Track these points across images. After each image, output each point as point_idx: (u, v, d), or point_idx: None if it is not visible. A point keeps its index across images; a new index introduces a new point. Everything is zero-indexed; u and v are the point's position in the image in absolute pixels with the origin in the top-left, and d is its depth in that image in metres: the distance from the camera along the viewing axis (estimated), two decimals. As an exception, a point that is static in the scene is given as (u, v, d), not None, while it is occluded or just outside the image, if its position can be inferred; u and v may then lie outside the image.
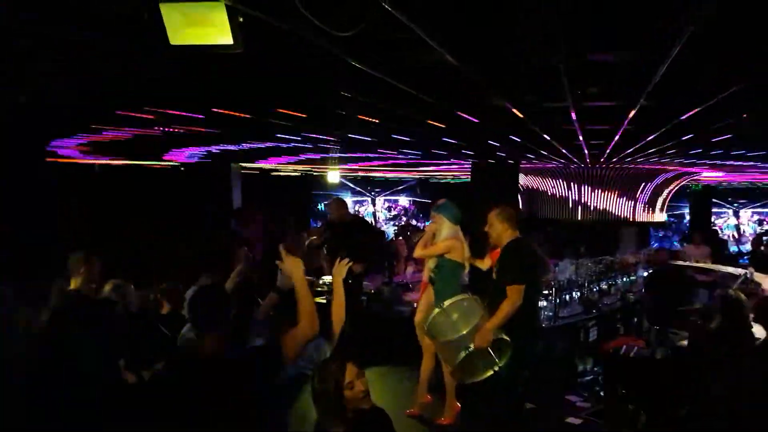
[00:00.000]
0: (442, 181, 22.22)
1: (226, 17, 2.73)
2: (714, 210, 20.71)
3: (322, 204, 18.97)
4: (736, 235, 20.73)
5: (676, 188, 14.71)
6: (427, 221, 5.43)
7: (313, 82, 5.15)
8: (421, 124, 7.33)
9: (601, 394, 5.82)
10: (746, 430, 4.14)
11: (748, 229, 21.40)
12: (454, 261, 4.82)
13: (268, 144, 9.91)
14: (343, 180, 19.26)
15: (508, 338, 4.20)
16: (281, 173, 17.99)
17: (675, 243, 16.66)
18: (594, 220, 13.12)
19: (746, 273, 7.65)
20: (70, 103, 5.86)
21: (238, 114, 6.40)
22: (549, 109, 6.13)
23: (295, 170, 17.80)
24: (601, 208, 13.11)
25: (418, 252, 5.11)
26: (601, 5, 3.43)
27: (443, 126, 7.46)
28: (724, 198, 21.58)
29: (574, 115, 6.19)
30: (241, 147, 10.58)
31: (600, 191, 13.14)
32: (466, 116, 6.76)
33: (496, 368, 4.20)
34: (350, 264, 3.30)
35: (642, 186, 13.28)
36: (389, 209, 24.52)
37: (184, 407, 2.51)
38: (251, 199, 13.39)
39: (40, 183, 9.23)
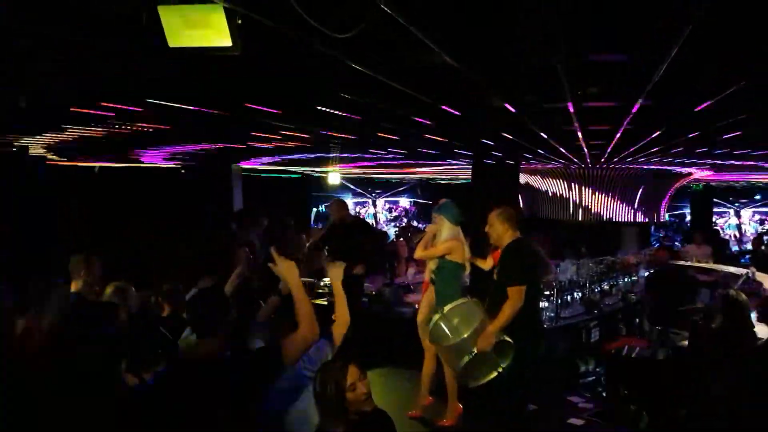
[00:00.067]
0: (442, 182, 22.21)
1: (225, 19, 2.73)
2: (715, 210, 20.72)
3: (323, 205, 18.98)
4: (738, 235, 20.72)
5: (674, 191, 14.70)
6: (428, 222, 5.43)
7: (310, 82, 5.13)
8: (416, 125, 7.31)
9: (603, 394, 5.82)
10: (747, 430, 4.13)
11: (750, 228, 21.38)
12: (454, 262, 4.81)
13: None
14: (343, 181, 19.26)
15: (510, 340, 4.19)
16: (282, 175, 18.01)
17: (676, 243, 16.63)
18: (594, 221, 13.11)
19: (748, 273, 7.65)
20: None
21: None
22: (549, 110, 6.13)
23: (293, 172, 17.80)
24: (601, 209, 13.10)
25: (418, 253, 5.11)
26: (601, 5, 3.42)
27: (442, 125, 7.44)
28: (726, 197, 21.57)
29: (574, 115, 6.18)
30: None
31: (600, 192, 13.14)
32: (467, 117, 6.75)
33: (500, 369, 4.19)
34: (344, 265, 3.27)
35: (640, 187, 13.27)
36: (390, 210, 24.53)
37: (183, 409, 2.51)
38: (251, 200, 13.40)
39: (40, 184, 9.25)
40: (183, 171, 13.63)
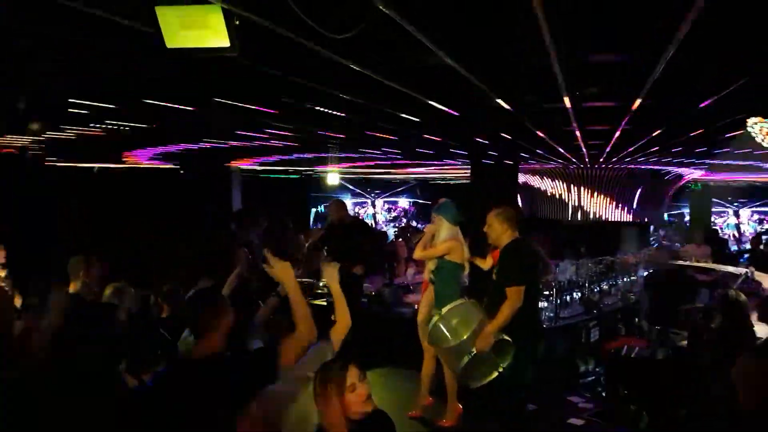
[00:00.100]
0: (441, 182, 22.21)
1: (223, 20, 2.73)
2: (714, 209, 20.73)
3: (322, 206, 18.98)
4: (737, 235, 20.73)
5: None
6: (427, 222, 5.42)
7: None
8: (414, 125, 7.30)
9: (603, 394, 5.82)
10: (747, 429, 4.13)
11: (749, 228, 21.38)
12: (453, 262, 4.81)
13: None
14: (342, 182, 19.26)
15: (509, 339, 4.19)
16: (280, 175, 18.00)
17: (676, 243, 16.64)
18: (592, 222, 13.13)
19: (747, 272, 7.64)
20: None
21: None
22: (548, 110, 6.13)
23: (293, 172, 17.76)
24: (598, 210, 13.12)
25: (417, 254, 5.10)
26: (598, 5, 3.43)
27: (439, 125, 7.44)
28: (724, 197, 21.58)
29: (572, 116, 6.19)
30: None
31: (598, 193, 13.16)
32: (466, 116, 6.75)
33: (500, 369, 4.19)
34: (338, 266, 3.26)
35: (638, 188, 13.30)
36: (389, 211, 24.52)
37: (182, 409, 2.50)
38: (250, 200, 13.39)
39: (40, 185, 9.25)
40: (182, 172, 13.62)
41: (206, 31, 2.76)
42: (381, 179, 22.71)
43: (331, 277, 3.21)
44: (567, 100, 5.36)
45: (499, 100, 5.49)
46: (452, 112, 6.25)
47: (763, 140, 6.72)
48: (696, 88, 5.13)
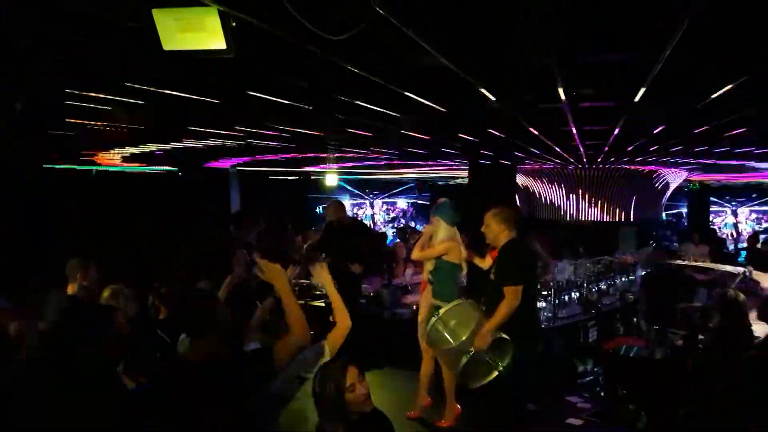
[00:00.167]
0: (439, 182, 22.21)
1: (219, 22, 2.73)
2: (712, 209, 20.76)
3: (320, 207, 18.98)
4: (735, 234, 20.75)
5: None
6: (426, 223, 5.43)
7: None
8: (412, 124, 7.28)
9: (602, 394, 5.82)
10: (746, 429, 4.14)
11: (747, 227, 21.41)
12: (451, 262, 4.82)
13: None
14: (341, 182, 19.26)
15: (507, 338, 4.19)
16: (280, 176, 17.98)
17: (674, 242, 16.67)
18: (590, 222, 13.15)
19: (745, 271, 7.64)
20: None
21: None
22: (545, 110, 6.13)
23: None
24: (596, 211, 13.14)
25: (415, 254, 5.11)
26: (596, 5, 3.43)
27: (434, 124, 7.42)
28: (722, 196, 21.62)
29: (569, 116, 6.19)
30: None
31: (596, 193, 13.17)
32: (462, 115, 6.74)
33: (500, 369, 4.18)
34: (325, 264, 3.26)
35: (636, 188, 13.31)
36: (388, 212, 24.52)
37: (179, 411, 2.50)
38: (249, 201, 13.38)
39: (40, 187, 9.24)
40: (181, 173, 13.62)
41: (203, 34, 2.77)
42: (380, 180, 22.71)
43: (320, 276, 3.20)
44: (564, 100, 5.36)
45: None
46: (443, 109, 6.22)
47: None
48: (695, 88, 5.13)
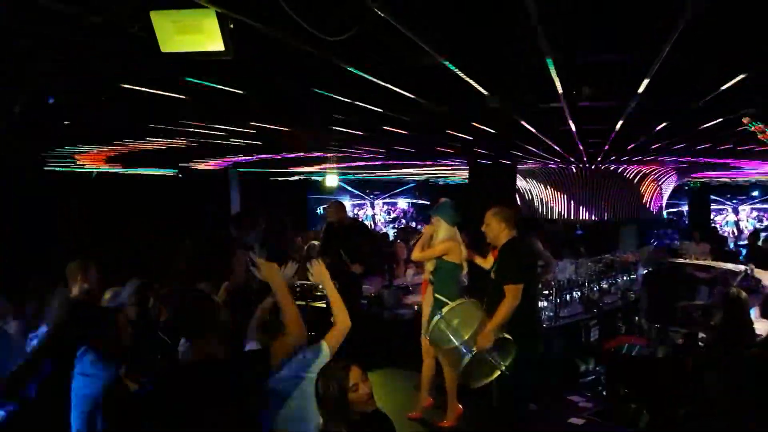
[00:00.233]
0: (440, 182, 22.21)
1: (217, 24, 2.73)
2: (713, 207, 20.76)
3: (321, 207, 18.98)
4: (736, 232, 20.75)
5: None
6: (426, 223, 5.43)
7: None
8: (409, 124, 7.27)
9: (603, 393, 5.82)
10: (746, 428, 4.13)
11: (748, 225, 21.40)
12: (451, 262, 4.81)
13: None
14: (341, 183, 19.25)
15: (510, 337, 4.18)
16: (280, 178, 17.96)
17: (675, 241, 16.67)
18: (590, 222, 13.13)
19: (746, 270, 7.65)
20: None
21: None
22: (544, 110, 6.13)
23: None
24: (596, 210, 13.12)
25: (415, 255, 5.10)
26: (591, 5, 3.43)
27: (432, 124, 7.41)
28: (723, 195, 21.61)
29: (569, 115, 6.18)
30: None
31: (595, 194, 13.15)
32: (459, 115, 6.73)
33: (502, 368, 4.18)
34: (323, 262, 3.25)
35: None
36: (388, 212, 24.52)
37: (179, 411, 2.50)
38: (249, 202, 13.38)
39: (40, 188, 9.25)
40: (180, 175, 13.62)
41: (201, 36, 2.77)
42: (379, 180, 22.71)
43: (319, 274, 3.20)
44: (563, 100, 5.36)
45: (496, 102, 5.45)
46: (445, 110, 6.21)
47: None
48: (695, 87, 5.12)
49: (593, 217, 12.87)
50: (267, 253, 4.61)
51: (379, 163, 14.16)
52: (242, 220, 8.41)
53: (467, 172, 12.78)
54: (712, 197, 20.45)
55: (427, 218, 6.22)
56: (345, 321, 3.10)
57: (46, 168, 10.42)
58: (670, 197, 15.45)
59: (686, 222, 20.16)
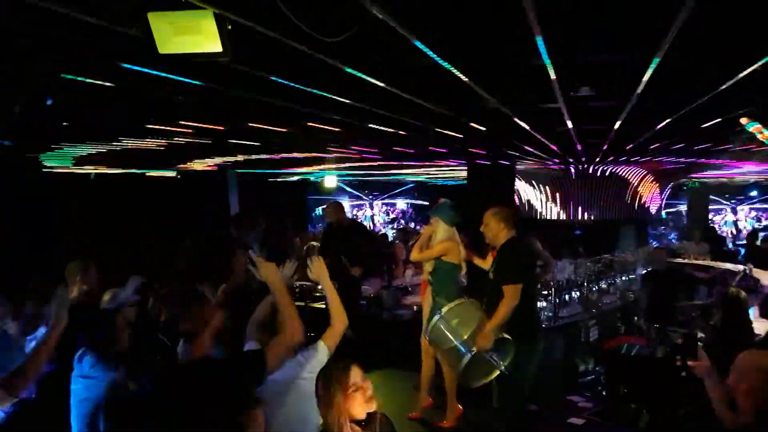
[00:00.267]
0: (438, 183, 22.21)
1: (215, 25, 2.73)
2: (711, 207, 20.76)
3: (320, 208, 18.98)
4: (734, 232, 20.77)
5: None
6: (425, 224, 5.43)
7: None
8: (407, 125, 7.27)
9: (603, 393, 5.82)
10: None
11: (746, 225, 21.42)
12: (450, 263, 4.81)
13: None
14: (340, 184, 19.25)
15: (509, 337, 4.18)
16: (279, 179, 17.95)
17: (673, 240, 16.68)
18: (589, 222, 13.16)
19: (745, 269, 7.65)
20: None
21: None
22: (543, 110, 6.14)
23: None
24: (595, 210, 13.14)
25: (414, 255, 5.10)
26: (590, 5, 3.43)
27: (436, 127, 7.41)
28: (722, 195, 21.63)
29: (567, 115, 6.19)
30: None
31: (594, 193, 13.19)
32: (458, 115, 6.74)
33: (502, 368, 4.18)
34: (320, 260, 3.25)
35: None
36: (387, 213, 24.52)
37: (178, 412, 2.50)
38: (248, 203, 13.36)
39: (40, 188, 9.24)
40: (179, 176, 13.60)
41: (199, 37, 2.77)
42: (378, 181, 22.70)
43: (319, 270, 3.19)
44: (562, 100, 5.37)
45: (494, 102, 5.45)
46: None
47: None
48: (694, 87, 5.13)
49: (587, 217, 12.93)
50: (267, 253, 4.60)
51: (377, 163, 14.17)
52: (242, 220, 8.41)
53: (465, 172, 12.80)
54: (711, 197, 20.46)
55: (425, 219, 6.23)
56: (342, 319, 3.10)
57: (45, 168, 10.41)
58: (669, 197, 15.48)
59: (685, 221, 20.14)
